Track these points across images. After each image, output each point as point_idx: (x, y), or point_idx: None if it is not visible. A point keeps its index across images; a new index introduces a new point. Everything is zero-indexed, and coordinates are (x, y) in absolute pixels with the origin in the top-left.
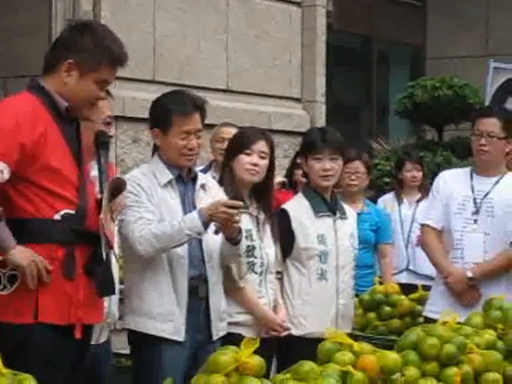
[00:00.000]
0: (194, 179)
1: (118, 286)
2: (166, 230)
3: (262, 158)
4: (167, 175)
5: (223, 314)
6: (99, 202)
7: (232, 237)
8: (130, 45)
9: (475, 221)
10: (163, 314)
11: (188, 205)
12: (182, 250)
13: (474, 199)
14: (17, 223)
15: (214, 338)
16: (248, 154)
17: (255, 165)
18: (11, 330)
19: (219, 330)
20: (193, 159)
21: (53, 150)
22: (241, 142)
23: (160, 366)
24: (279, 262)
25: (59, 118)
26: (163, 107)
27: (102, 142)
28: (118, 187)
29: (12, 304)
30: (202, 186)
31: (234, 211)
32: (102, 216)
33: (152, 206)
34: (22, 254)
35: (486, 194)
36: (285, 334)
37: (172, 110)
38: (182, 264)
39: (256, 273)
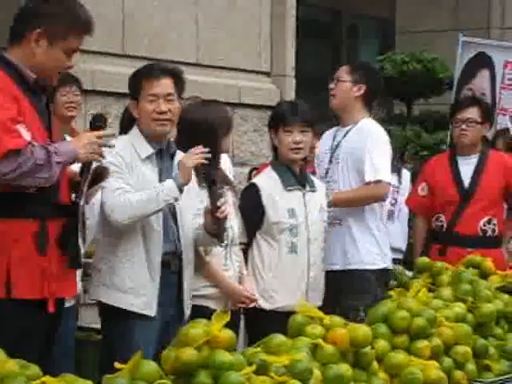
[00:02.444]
0: (173, 155)
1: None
2: (142, 197)
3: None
4: (148, 149)
5: (193, 292)
6: (75, 183)
7: (219, 235)
8: (98, 18)
9: (327, 170)
10: (135, 288)
11: (165, 180)
12: (157, 224)
13: (331, 149)
14: None
15: (186, 314)
16: None
17: None
18: None
19: (189, 307)
20: (165, 124)
21: (26, 123)
22: None
23: (131, 340)
24: (242, 233)
25: (27, 90)
26: (134, 77)
27: (97, 126)
28: (100, 175)
29: None
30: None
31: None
32: (82, 202)
33: (131, 179)
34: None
35: (338, 144)
36: (252, 305)
37: (140, 76)
38: (157, 238)
39: (221, 246)
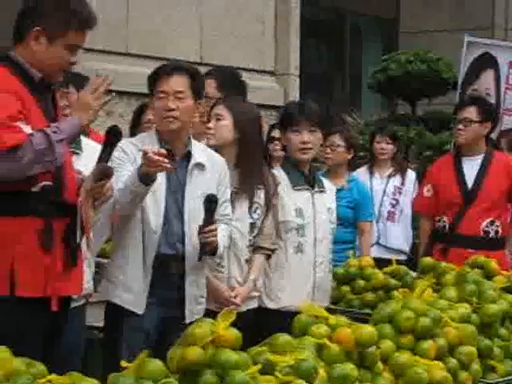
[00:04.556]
0: (188, 157)
1: (93, 260)
2: (121, 185)
3: (218, 119)
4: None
5: (200, 298)
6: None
7: (212, 252)
8: (102, 16)
9: None
10: (126, 284)
11: (175, 182)
12: (156, 226)
13: None
14: None
15: (187, 320)
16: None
17: (209, 128)
18: None
19: (194, 313)
20: (171, 122)
21: (31, 121)
22: None
23: (119, 335)
24: (268, 236)
25: (34, 89)
26: (150, 75)
27: (114, 141)
28: (103, 174)
29: None
30: (199, 166)
31: (162, 158)
32: (80, 199)
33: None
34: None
35: None
36: (232, 308)
37: (154, 73)
38: (153, 239)
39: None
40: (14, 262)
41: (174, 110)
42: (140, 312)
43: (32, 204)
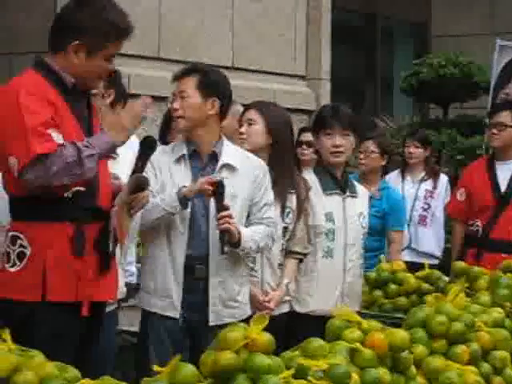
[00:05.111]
0: (215, 157)
1: (125, 264)
2: (149, 204)
3: (250, 124)
4: (180, 150)
5: (231, 302)
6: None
7: (233, 242)
8: (134, 21)
9: None
10: (158, 289)
11: None
12: (183, 227)
13: None
14: (27, 201)
15: (211, 323)
16: (240, 125)
17: (241, 133)
18: (19, 307)
19: (222, 315)
20: (177, 122)
21: (63, 127)
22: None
23: (149, 340)
24: (300, 240)
25: (67, 94)
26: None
27: (148, 152)
28: (139, 184)
29: (20, 281)
30: (227, 166)
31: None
32: (115, 209)
33: (158, 181)
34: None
35: None
36: (266, 312)
37: (172, 78)
38: (181, 241)
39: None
40: (45, 267)
41: (177, 109)
42: (176, 316)
43: (64, 210)
